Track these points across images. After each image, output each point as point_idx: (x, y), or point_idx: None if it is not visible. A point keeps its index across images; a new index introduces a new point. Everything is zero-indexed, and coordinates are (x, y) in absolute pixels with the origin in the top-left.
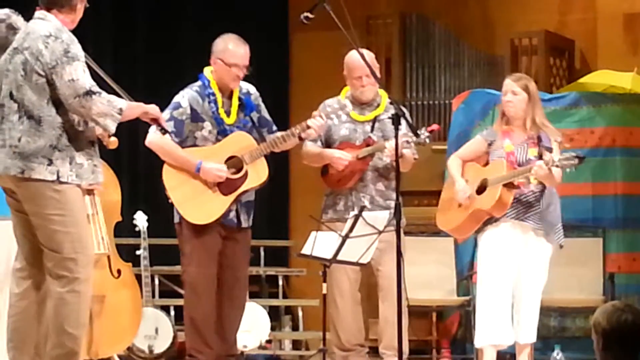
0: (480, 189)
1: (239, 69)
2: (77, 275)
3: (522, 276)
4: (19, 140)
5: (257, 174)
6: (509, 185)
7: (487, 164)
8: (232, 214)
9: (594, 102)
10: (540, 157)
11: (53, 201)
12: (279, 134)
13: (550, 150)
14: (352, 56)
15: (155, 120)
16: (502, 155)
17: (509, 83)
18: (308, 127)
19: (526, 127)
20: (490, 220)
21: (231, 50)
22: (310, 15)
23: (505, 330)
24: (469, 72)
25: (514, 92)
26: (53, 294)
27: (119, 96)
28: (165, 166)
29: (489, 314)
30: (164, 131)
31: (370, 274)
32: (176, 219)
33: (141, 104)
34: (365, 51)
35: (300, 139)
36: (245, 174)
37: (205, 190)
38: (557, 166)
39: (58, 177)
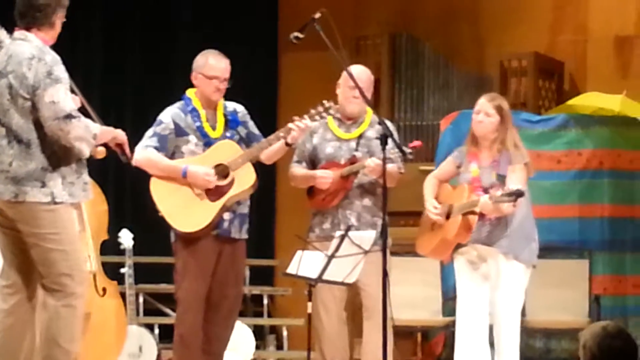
0: (448, 215)
1: (219, 81)
2: (74, 290)
3: (498, 301)
4: (10, 164)
5: (244, 179)
6: (470, 213)
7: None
8: (226, 224)
9: (583, 124)
10: (498, 182)
11: (47, 221)
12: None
13: (504, 177)
14: (356, 68)
15: (120, 146)
16: (469, 179)
17: (483, 103)
18: (290, 129)
19: (491, 149)
20: (460, 245)
21: (210, 63)
22: (300, 35)
23: (482, 354)
24: (457, 93)
25: (488, 113)
26: (48, 307)
27: (92, 119)
28: (152, 179)
29: (465, 338)
30: (125, 158)
31: (355, 293)
32: (172, 238)
33: (111, 128)
34: (364, 70)
35: (288, 144)
36: (232, 180)
37: (193, 199)
38: (497, 202)
39: (53, 198)
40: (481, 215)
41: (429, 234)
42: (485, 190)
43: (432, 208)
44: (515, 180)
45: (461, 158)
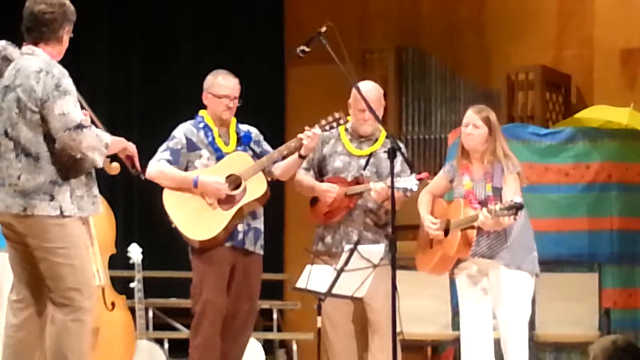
0: (446, 231)
1: (229, 99)
2: (82, 305)
3: (503, 312)
4: (19, 178)
5: (256, 187)
6: (469, 227)
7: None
8: (241, 236)
9: (590, 137)
10: (493, 195)
11: (56, 235)
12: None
13: (499, 190)
14: (362, 87)
15: (130, 159)
16: (462, 193)
17: (470, 115)
18: (300, 139)
19: (483, 161)
20: (461, 260)
21: (220, 82)
22: (306, 49)
23: None
24: (465, 107)
25: (475, 125)
26: (56, 321)
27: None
28: (165, 191)
29: (471, 355)
30: (135, 171)
31: (362, 308)
32: (190, 253)
33: (122, 139)
34: (374, 86)
35: (301, 157)
36: (244, 190)
37: (206, 209)
38: (497, 216)
39: (61, 211)
40: (480, 229)
41: (429, 251)
42: (481, 203)
43: (430, 224)
44: (512, 192)
45: (453, 172)
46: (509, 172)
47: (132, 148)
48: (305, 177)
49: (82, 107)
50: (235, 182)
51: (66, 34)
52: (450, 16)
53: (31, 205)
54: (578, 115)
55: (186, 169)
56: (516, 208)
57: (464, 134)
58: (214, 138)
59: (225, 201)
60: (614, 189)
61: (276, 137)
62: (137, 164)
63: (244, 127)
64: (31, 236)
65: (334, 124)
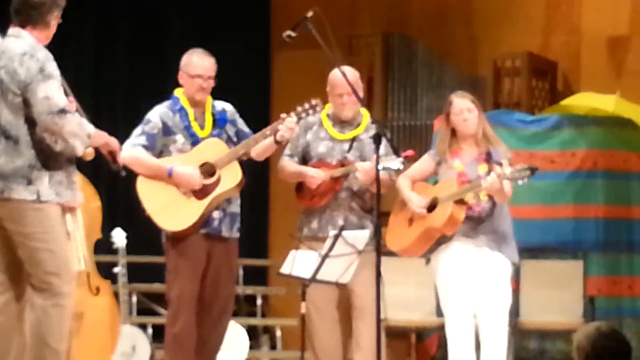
0: (430, 208)
1: (202, 79)
2: (61, 289)
3: (484, 296)
4: None
5: (230, 177)
6: (460, 202)
7: (435, 183)
8: (216, 223)
9: (576, 124)
10: (490, 172)
11: (34, 219)
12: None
13: (500, 164)
14: (336, 73)
15: (112, 154)
16: (453, 175)
17: (461, 102)
18: (277, 129)
19: (477, 144)
20: (443, 240)
21: (194, 62)
22: (292, 34)
23: (469, 354)
24: (451, 93)
25: (469, 109)
26: (36, 306)
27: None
28: (139, 178)
29: (454, 339)
30: (116, 167)
31: (346, 294)
32: (163, 238)
33: (105, 133)
34: (349, 69)
35: (277, 142)
36: (219, 179)
37: (179, 198)
38: (508, 179)
39: (38, 196)
40: (469, 207)
41: (406, 229)
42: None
43: (415, 200)
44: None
45: (440, 156)
46: (504, 157)
47: (114, 143)
48: (289, 163)
49: (67, 94)
50: (209, 170)
51: (54, 19)
52: (438, 2)
53: (8, 189)
54: (564, 102)
55: (161, 153)
56: (531, 170)
57: (459, 120)
58: (189, 122)
59: (200, 190)
60: (599, 177)
61: (261, 123)
62: (119, 159)
63: (219, 105)
64: (9, 220)
65: (310, 111)
